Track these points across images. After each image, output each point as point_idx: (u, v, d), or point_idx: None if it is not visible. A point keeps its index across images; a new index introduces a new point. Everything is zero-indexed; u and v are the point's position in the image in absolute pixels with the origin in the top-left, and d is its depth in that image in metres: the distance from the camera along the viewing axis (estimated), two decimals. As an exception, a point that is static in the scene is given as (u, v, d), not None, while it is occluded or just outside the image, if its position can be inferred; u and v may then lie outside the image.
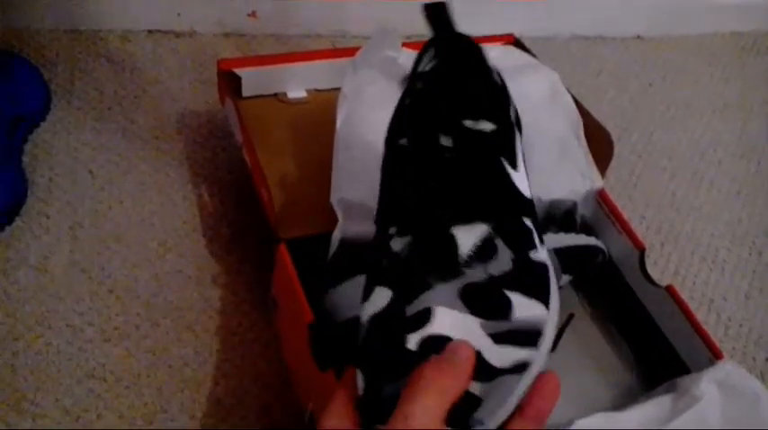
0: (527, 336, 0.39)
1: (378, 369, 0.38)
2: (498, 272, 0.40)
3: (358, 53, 0.67)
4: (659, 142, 1.01)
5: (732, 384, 0.57)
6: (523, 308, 0.39)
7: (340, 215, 0.63)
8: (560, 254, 0.65)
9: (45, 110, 0.84)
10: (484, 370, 0.38)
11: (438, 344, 0.38)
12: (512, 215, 0.42)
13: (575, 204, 0.71)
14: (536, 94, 0.71)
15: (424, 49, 0.49)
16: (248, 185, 0.72)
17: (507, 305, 0.39)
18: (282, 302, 0.65)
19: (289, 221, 0.64)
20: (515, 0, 0.94)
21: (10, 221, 0.73)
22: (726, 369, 0.58)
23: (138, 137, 0.84)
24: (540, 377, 0.39)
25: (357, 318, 0.58)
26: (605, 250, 0.70)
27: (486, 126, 0.44)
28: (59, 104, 0.86)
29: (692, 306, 0.65)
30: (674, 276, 0.84)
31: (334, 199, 0.64)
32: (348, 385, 0.40)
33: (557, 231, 0.69)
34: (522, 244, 0.41)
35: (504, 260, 0.41)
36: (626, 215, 0.71)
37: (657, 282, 0.67)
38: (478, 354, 0.38)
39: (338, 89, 0.66)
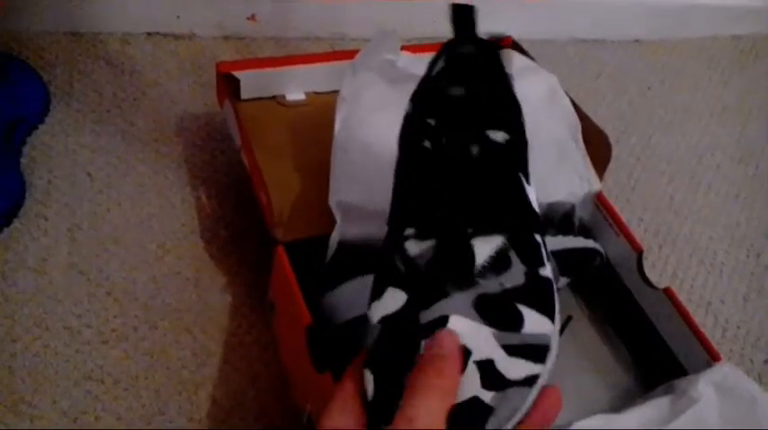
0: (536, 351, 0.39)
1: (390, 373, 0.39)
2: (511, 284, 0.40)
3: (357, 56, 0.67)
4: (658, 145, 1.01)
5: (729, 386, 0.57)
6: (533, 322, 0.40)
7: (338, 217, 0.63)
8: (558, 256, 0.65)
9: (44, 112, 0.84)
10: (497, 380, 0.38)
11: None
12: (525, 229, 0.43)
13: (573, 207, 0.71)
14: (534, 96, 0.71)
15: (443, 49, 0.48)
16: (247, 188, 0.72)
17: (519, 318, 0.40)
18: (280, 305, 0.65)
19: (287, 224, 0.64)
20: None
21: (8, 223, 0.73)
22: (723, 371, 0.58)
23: (137, 139, 0.84)
24: (543, 391, 0.39)
25: (356, 320, 0.58)
26: (603, 253, 0.70)
27: (503, 136, 0.44)
28: (58, 106, 0.86)
29: (690, 308, 0.65)
30: (672, 279, 0.84)
31: (332, 201, 0.64)
32: (349, 383, 0.40)
33: (555, 234, 0.69)
34: (533, 259, 0.42)
35: (517, 273, 0.41)
36: (624, 218, 0.71)
37: (655, 284, 0.67)
38: (491, 364, 0.38)
39: (337, 92, 0.66)
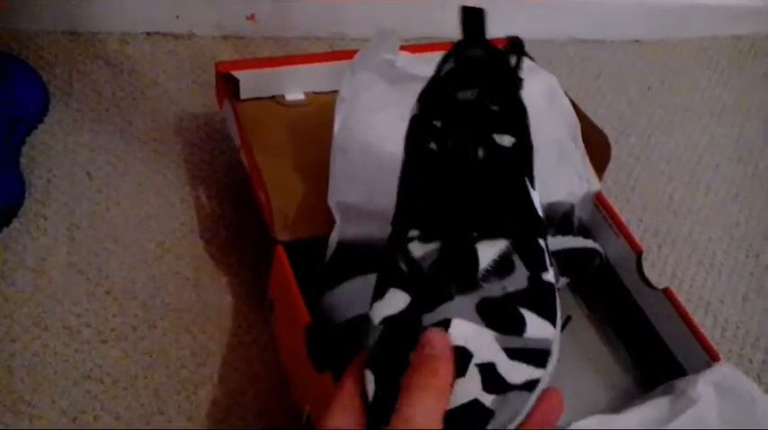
0: (537, 356, 0.39)
1: (391, 374, 0.39)
2: (514, 288, 0.40)
3: (356, 56, 0.67)
4: (657, 145, 1.01)
5: (729, 386, 0.57)
6: (535, 326, 0.40)
7: (337, 217, 0.63)
8: (558, 256, 0.65)
9: (43, 111, 0.84)
10: (498, 383, 0.38)
11: (454, 354, 0.38)
12: (529, 234, 0.43)
13: (572, 207, 0.72)
14: (534, 96, 0.71)
15: (452, 51, 0.48)
16: (246, 187, 0.72)
17: (522, 322, 0.40)
18: (280, 304, 0.65)
19: (286, 223, 0.64)
20: None
21: (7, 223, 0.73)
22: (722, 371, 0.58)
23: (136, 139, 0.84)
24: (545, 393, 0.39)
25: (355, 320, 0.58)
26: (602, 253, 0.70)
27: (509, 140, 0.44)
28: (57, 106, 0.85)
29: (689, 308, 0.65)
30: (672, 279, 0.84)
31: (331, 201, 0.64)
32: (349, 384, 0.40)
33: (554, 234, 0.69)
34: (536, 263, 0.42)
35: (520, 277, 0.41)
36: (623, 218, 0.71)
37: (655, 284, 0.67)
38: (493, 367, 0.38)
39: (336, 92, 0.66)
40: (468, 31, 0.48)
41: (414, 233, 0.42)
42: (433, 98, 0.46)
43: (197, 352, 0.68)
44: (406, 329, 0.40)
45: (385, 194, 0.61)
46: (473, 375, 0.38)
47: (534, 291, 0.41)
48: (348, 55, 0.68)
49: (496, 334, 0.39)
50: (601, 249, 0.70)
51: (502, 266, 0.41)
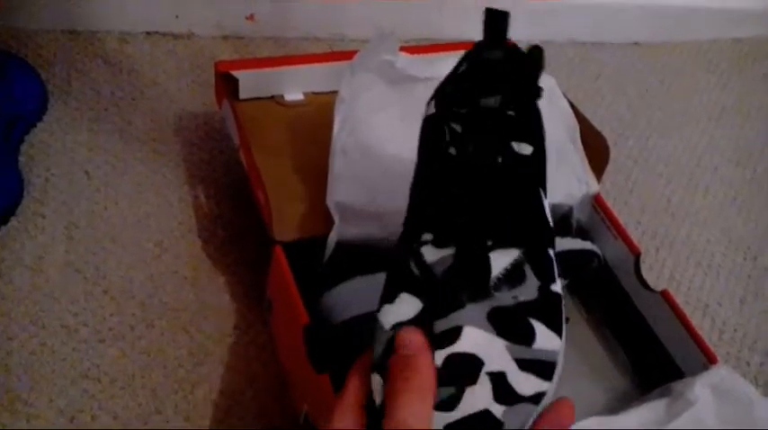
0: (544, 368, 0.39)
1: None
2: (525, 298, 0.40)
3: (356, 56, 0.67)
4: (656, 148, 1.01)
5: (726, 389, 0.57)
6: (544, 337, 0.40)
7: (336, 218, 0.63)
8: (556, 258, 0.65)
9: (42, 110, 0.84)
10: (508, 394, 0.38)
11: (462, 361, 0.38)
12: (540, 244, 0.42)
13: (570, 209, 0.72)
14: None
15: (472, 52, 0.47)
16: (245, 187, 0.72)
17: (531, 333, 0.40)
18: (278, 304, 0.65)
19: (285, 224, 0.64)
20: None
21: (5, 221, 0.73)
22: (720, 374, 0.58)
23: (135, 138, 0.84)
24: (558, 402, 0.39)
25: (353, 320, 0.58)
26: (600, 255, 0.70)
27: (528, 149, 0.44)
28: (56, 105, 0.85)
29: (687, 311, 0.65)
30: (670, 281, 0.84)
31: (330, 202, 0.64)
32: (355, 385, 0.40)
33: (552, 235, 0.69)
34: (546, 274, 0.42)
35: (530, 287, 0.41)
36: (622, 220, 0.71)
37: (653, 286, 0.67)
38: (503, 376, 0.38)
39: (336, 92, 0.66)
40: (491, 32, 0.47)
41: (426, 237, 0.42)
42: (451, 100, 0.46)
43: (195, 351, 0.68)
44: None
45: (384, 195, 0.62)
46: (484, 383, 0.38)
47: (543, 302, 0.41)
48: (348, 55, 0.68)
49: (507, 343, 0.39)
50: (599, 251, 0.70)
51: (513, 276, 0.41)
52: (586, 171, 0.73)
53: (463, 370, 0.38)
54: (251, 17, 0.99)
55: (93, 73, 0.90)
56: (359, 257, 0.63)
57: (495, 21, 0.47)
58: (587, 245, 0.70)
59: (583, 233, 0.73)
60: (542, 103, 0.75)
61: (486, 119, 0.44)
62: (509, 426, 0.37)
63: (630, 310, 0.69)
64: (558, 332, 0.40)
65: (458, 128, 0.44)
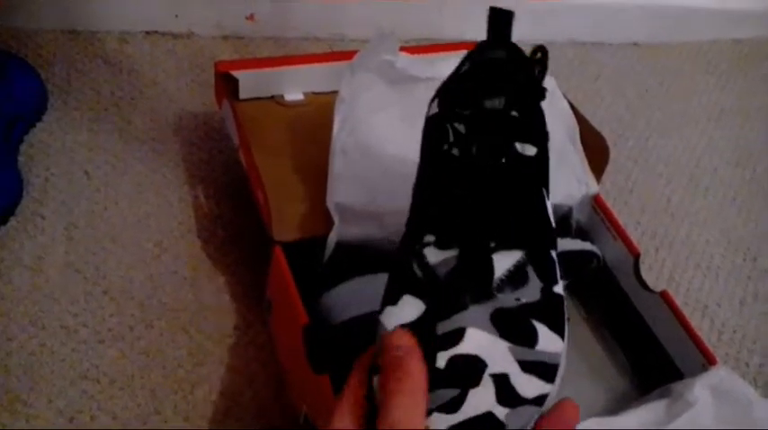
0: (546, 370, 0.39)
1: None
2: (527, 300, 0.40)
3: (356, 57, 0.67)
4: (655, 148, 1.01)
5: (725, 390, 0.57)
6: (546, 339, 0.40)
7: (336, 218, 0.63)
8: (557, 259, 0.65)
9: (41, 110, 0.84)
10: (511, 396, 0.38)
11: (465, 363, 0.38)
12: (543, 245, 0.42)
13: (570, 209, 0.72)
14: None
15: (475, 52, 0.47)
16: (244, 187, 0.72)
17: (534, 335, 0.40)
18: (277, 304, 0.65)
19: (285, 224, 0.64)
20: None
21: (5, 221, 0.73)
22: (719, 375, 0.59)
23: (135, 138, 0.84)
24: (561, 403, 0.39)
25: (353, 321, 0.58)
26: (600, 255, 0.70)
27: (531, 150, 0.44)
28: (56, 105, 0.85)
29: (687, 312, 0.65)
30: (669, 282, 0.84)
31: (330, 202, 0.64)
32: (356, 384, 0.40)
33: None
34: (549, 275, 0.42)
35: (533, 289, 0.41)
36: (621, 221, 0.71)
37: (652, 287, 0.67)
38: (506, 378, 0.38)
39: (336, 92, 0.66)
40: (494, 32, 0.47)
41: (429, 238, 0.42)
42: (455, 100, 0.45)
43: (194, 352, 0.68)
44: (420, 338, 0.39)
45: (384, 195, 0.62)
46: (487, 385, 0.38)
47: (546, 304, 0.41)
48: (348, 55, 0.68)
49: (510, 345, 0.39)
50: (598, 252, 0.70)
51: (516, 277, 0.41)
52: (586, 171, 0.73)
53: (466, 371, 0.38)
54: (251, 17, 0.99)
55: (93, 73, 0.90)
56: (359, 258, 0.63)
57: (500, 20, 0.47)
58: (587, 245, 0.70)
59: (582, 233, 0.73)
60: (543, 104, 0.76)
61: (490, 120, 0.44)
62: (512, 429, 0.37)
63: (630, 311, 0.69)
64: (561, 334, 0.40)
65: (461, 128, 0.44)
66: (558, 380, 0.39)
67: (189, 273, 0.73)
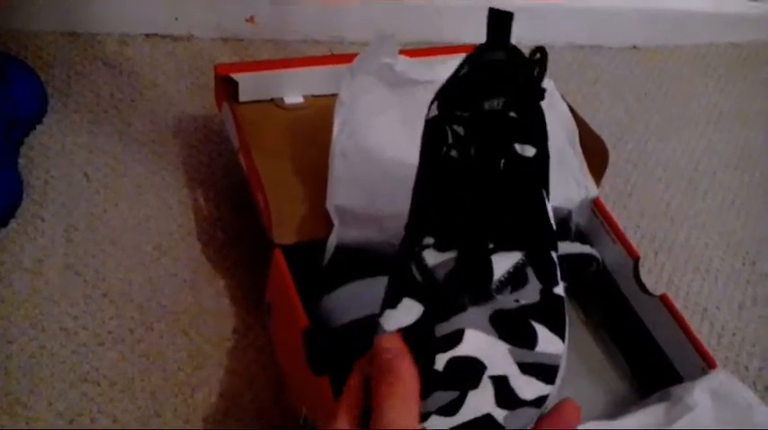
0: (546, 371, 0.39)
1: None
2: (527, 301, 0.40)
3: (355, 59, 0.67)
4: (654, 152, 1.01)
5: (725, 393, 0.57)
6: (546, 341, 0.40)
7: (336, 221, 0.63)
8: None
9: (41, 112, 0.84)
10: (510, 398, 0.38)
11: (465, 364, 0.38)
12: (543, 247, 0.42)
13: (569, 213, 0.72)
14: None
15: (474, 54, 0.47)
16: (244, 190, 0.72)
17: (534, 336, 0.40)
18: (277, 307, 0.65)
19: (284, 226, 0.64)
20: None
21: (5, 224, 0.73)
22: (719, 378, 0.59)
23: (135, 140, 0.84)
24: (562, 404, 0.39)
25: (353, 324, 0.58)
26: (599, 259, 0.70)
27: (531, 151, 0.44)
28: (56, 107, 0.85)
29: (686, 315, 0.65)
30: (668, 285, 0.84)
31: (330, 205, 0.64)
32: (355, 386, 0.40)
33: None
34: (548, 277, 0.42)
35: (532, 290, 0.41)
36: (620, 224, 0.71)
37: (651, 290, 0.67)
38: (505, 380, 0.38)
39: (335, 95, 0.66)
40: (494, 33, 0.47)
41: (428, 241, 0.42)
42: (454, 102, 0.45)
43: (194, 354, 0.68)
44: (418, 341, 0.40)
45: (384, 198, 0.62)
46: (486, 387, 0.38)
47: (546, 305, 0.41)
48: (347, 58, 0.68)
49: (509, 346, 0.39)
50: (598, 255, 0.70)
51: (515, 278, 0.41)
52: (585, 175, 0.73)
53: (465, 373, 0.38)
54: (251, 19, 0.99)
55: (93, 75, 0.90)
56: (358, 261, 0.63)
57: (499, 21, 0.47)
58: (586, 248, 0.70)
59: (582, 237, 0.73)
60: (542, 107, 0.76)
61: (489, 122, 0.44)
62: None
63: (629, 314, 0.69)
64: (561, 335, 0.40)
65: (460, 130, 0.44)
66: (558, 381, 0.39)
67: (188, 276, 0.73)
